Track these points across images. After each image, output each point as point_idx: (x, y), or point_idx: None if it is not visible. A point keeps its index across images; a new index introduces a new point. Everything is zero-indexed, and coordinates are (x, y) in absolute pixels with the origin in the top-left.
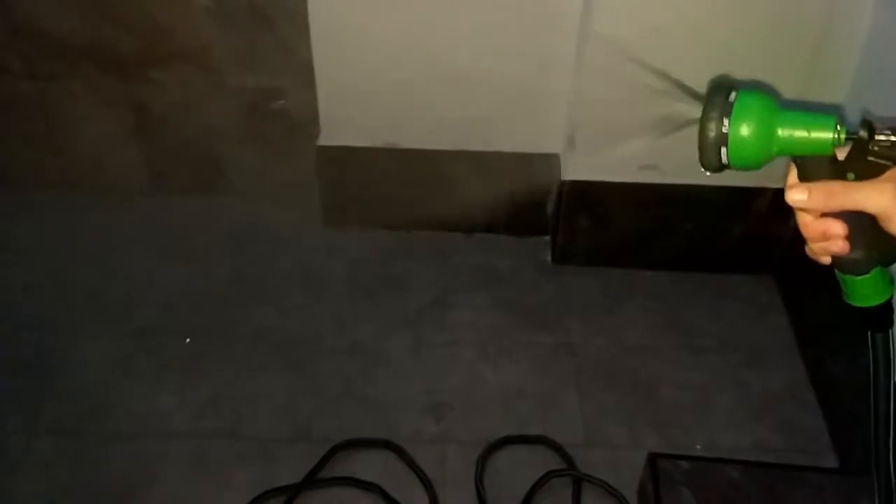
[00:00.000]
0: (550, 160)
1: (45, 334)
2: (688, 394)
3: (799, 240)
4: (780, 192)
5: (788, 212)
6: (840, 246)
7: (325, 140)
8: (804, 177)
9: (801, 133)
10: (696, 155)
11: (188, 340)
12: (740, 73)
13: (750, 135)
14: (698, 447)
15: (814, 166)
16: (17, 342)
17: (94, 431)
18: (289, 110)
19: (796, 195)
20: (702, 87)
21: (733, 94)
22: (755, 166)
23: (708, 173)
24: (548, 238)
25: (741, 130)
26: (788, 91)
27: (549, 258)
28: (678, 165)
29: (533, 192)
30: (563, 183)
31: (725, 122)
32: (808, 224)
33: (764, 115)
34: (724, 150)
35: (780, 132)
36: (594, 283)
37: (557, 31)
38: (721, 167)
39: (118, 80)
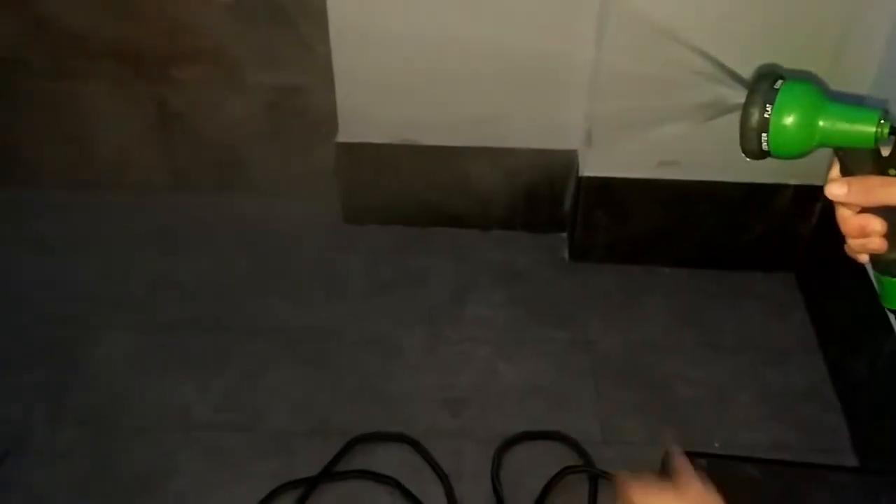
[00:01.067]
0: (568, 156)
1: (68, 327)
2: (706, 391)
3: (819, 237)
4: (800, 189)
5: (809, 209)
6: (878, 244)
7: (343, 137)
8: (846, 171)
9: (843, 125)
10: (716, 150)
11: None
12: (763, 61)
13: (792, 123)
14: (716, 445)
15: (856, 160)
16: (41, 335)
17: (115, 423)
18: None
19: (836, 189)
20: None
21: (779, 82)
22: (797, 155)
23: (748, 159)
24: (565, 234)
25: (783, 118)
26: None
27: (566, 255)
28: (698, 161)
29: (551, 189)
30: (581, 179)
31: (769, 108)
32: (847, 219)
33: (808, 105)
34: (764, 136)
35: (822, 123)
36: (612, 280)
37: (576, 23)
38: (762, 154)
39: (140, 78)
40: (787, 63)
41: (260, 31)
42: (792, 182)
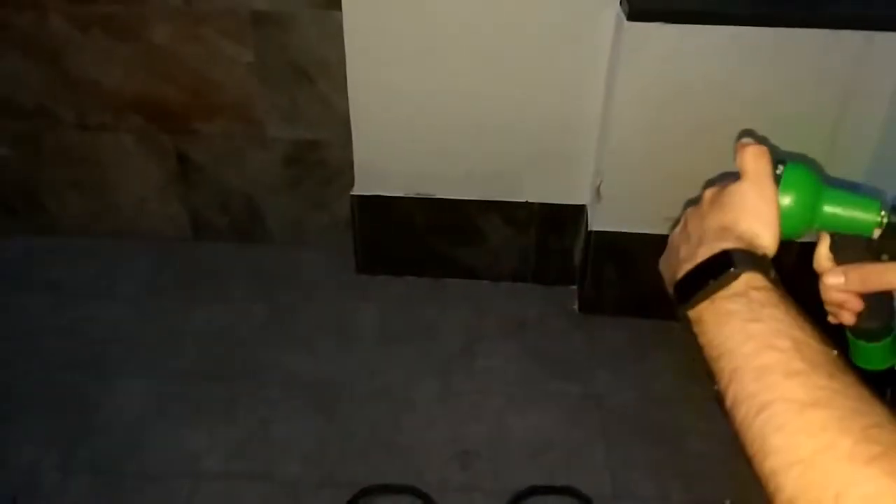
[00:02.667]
0: (578, 211)
1: (82, 374)
2: (717, 447)
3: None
4: (806, 246)
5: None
6: (848, 318)
7: (359, 189)
8: (836, 251)
9: (844, 212)
10: None
11: None
12: (769, 128)
13: (793, 207)
14: (727, 502)
15: (848, 243)
16: (55, 381)
17: (127, 471)
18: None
19: (833, 279)
20: (731, 145)
21: (780, 167)
22: (795, 236)
23: None
24: (575, 287)
25: (785, 201)
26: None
27: (576, 307)
28: None
29: (561, 242)
30: (590, 233)
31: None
32: (831, 294)
33: (809, 189)
34: None
35: (825, 208)
36: (621, 334)
37: (585, 87)
38: None
39: (163, 131)
40: (789, 136)
41: (280, 88)
42: (797, 240)
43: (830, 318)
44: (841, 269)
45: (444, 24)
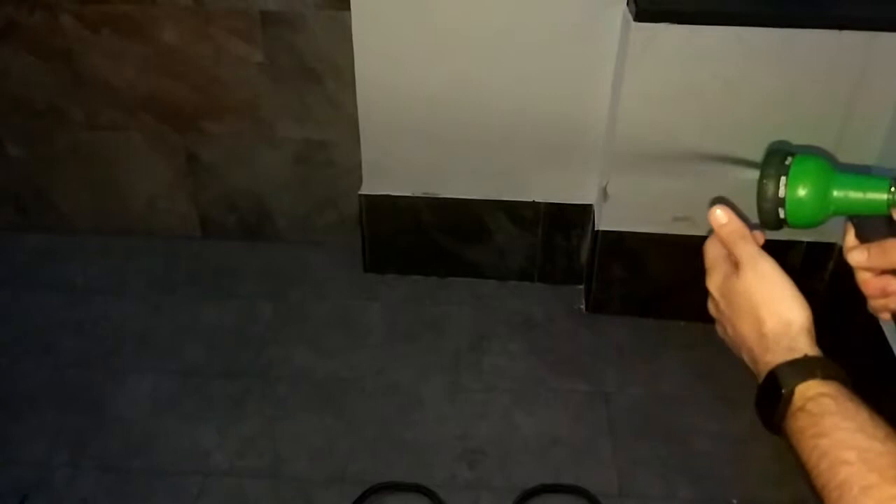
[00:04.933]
0: (585, 210)
1: (92, 371)
2: (724, 446)
3: (832, 293)
4: (812, 246)
5: (822, 265)
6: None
7: (367, 189)
8: (861, 236)
9: (856, 194)
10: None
11: None
12: (773, 132)
13: (806, 195)
14: (734, 502)
15: (871, 226)
16: (65, 378)
17: (136, 468)
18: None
19: (856, 256)
20: (736, 144)
21: (789, 159)
22: (813, 224)
23: (767, 232)
24: (582, 286)
25: (798, 191)
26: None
27: (583, 307)
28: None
29: (567, 241)
30: (597, 233)
31: (783, 181)
32: (868, 281)
33: (820, 177)
34: (781, 210)
35: (836, 193)
36: (628, 333)
37: (592, 85)
38: (779, 225)
39: (173, 130)
40: (795, 136)
41: (289, 88)
42: (804, 239)
43: (883, 315)
44: (863, 246)
45: (451, 25)
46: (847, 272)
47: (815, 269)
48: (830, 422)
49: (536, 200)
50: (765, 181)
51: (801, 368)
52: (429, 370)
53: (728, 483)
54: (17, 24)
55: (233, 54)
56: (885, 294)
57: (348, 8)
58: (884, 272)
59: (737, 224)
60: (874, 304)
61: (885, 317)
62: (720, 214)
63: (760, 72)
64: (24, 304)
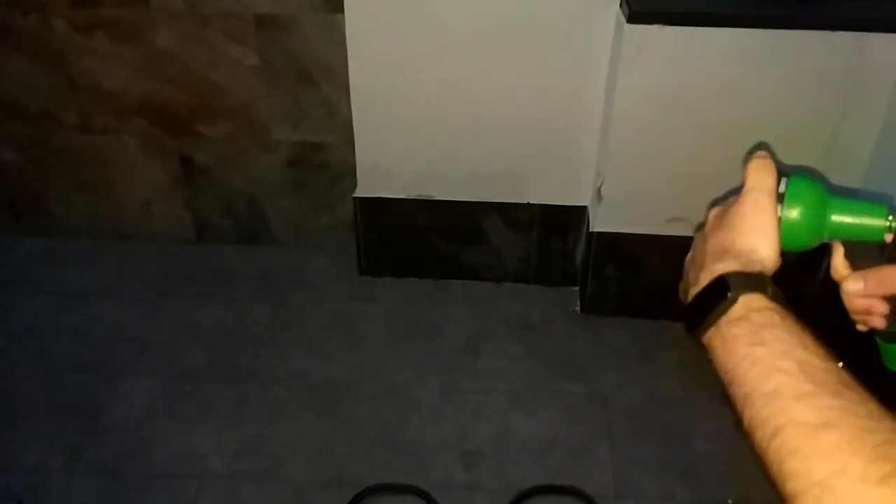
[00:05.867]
0: (579, 212)
1: (89, 375)
2: (721, 446)
3: (827, 293)
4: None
5: (816, 265)
6: (879, 322)
7: (362, 192)
8: (852, 259)
9: (852, 219)
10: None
11: None
12: (766, 132)
13: (801, 220)
14: (730, 502)
15: (863, 250)
16: (62, 383)
17: (133, 471)
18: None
19: (852, 285)
20: (731, 147)
21: (783, 182)
22: (806, 248)
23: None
24: (577, 288)
25: (793, 215)
26: (808, 163)
27: (578, 308)
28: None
29: (563, 243)
30: (592, 234)
31: (778, 208)
32: (855, 301)
33: (815, 200)
34: None
35: (833, 218)
36: (624, 334)
37: (586, 87)
38: None
39: (168, 134)
40: (789, 136)
41: (284, 91)
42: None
43: (860, 326)
44: (859, 274)
45: (445, 27)
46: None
47: (810, 269)
48: (772, 333)
49: (531, 202)
50: None
51: (754, 280)
52: (425, 372)
53: (725, 484)
54: (9, 29)
55: (227, 57)
56: (868, 313)
57: (342, 11)
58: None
59: (771, 161)
60: (856, 319)
61: (860, 327)
62: (761, 153)
63: (754, 73)
64: (19, 307)
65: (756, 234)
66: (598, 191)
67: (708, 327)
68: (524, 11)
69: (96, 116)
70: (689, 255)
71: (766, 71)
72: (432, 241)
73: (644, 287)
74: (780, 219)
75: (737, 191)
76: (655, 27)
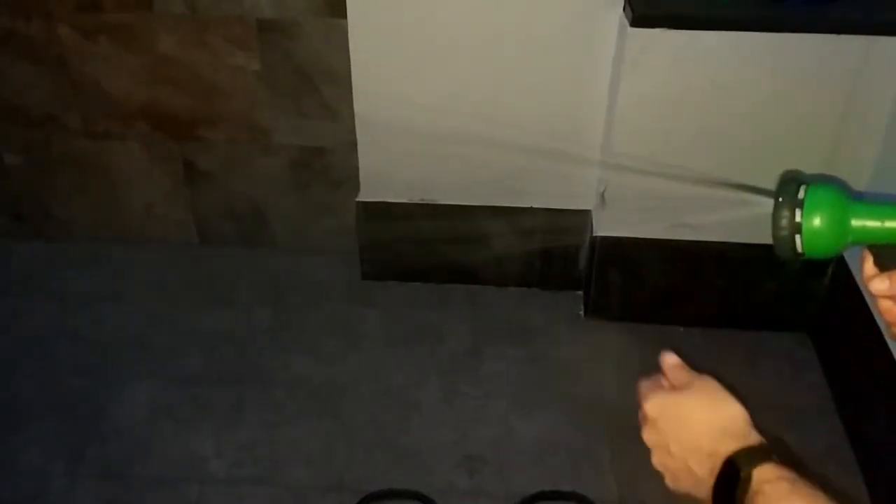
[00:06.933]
0: (583, 216)
1: (90, 379)
2: None
3: (832, 297)
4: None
5: (822, 269)
6: None
7: (364, 196)
8: (881, 264)
9: (875, 223)
10: (727, 213)
11: None
12: (769, 136)
13: (823, 226)
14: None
15: (890, 254)
16: (63, 387)
17: (134, 475)
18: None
19: (877, 284)
20: (735, 151)
21: (803, 189)
22: (831, 255)
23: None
24: (580, 293)
25: (814, 222)
26: (812, 167)
27: (581, 312)
28: (710, 223)
29: (565, 247)
30: (595, 239)
31: (798, 213)
32: (890, 310)
33: (836, 206)
34: (798, 241)
35: (854, 222)
36: (627, 338)
37: (589, 91)
38: (796, 257)
39: (170, 139)
40: (792, 141)
41: (286, 96)
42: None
43: (891, 335)
44: (886, 274)
45: (448, 32)
46: (846, 277)
47: (815, 273)
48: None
49: (534, 206)
50: (780, 212)
51: (758, 453)
52: (427, 376)
53: None
54: (13, 33)
55: (229, 62)
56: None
57: (345, 15)
58: None
59: (678, 360)
60: (886, 318)
61: (891, 338)
62: (671, 356)
63: (757, 76)
64: (21, 311)
65: (724, 404)
66: (602, 195)
67: None
68: (527, 15)
69: (99, 120)
70: (658, 458)
71: (769, 74)
72: (435, 245)
73: (648, 292)
74: (800, 229)
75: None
76: (659, 31)
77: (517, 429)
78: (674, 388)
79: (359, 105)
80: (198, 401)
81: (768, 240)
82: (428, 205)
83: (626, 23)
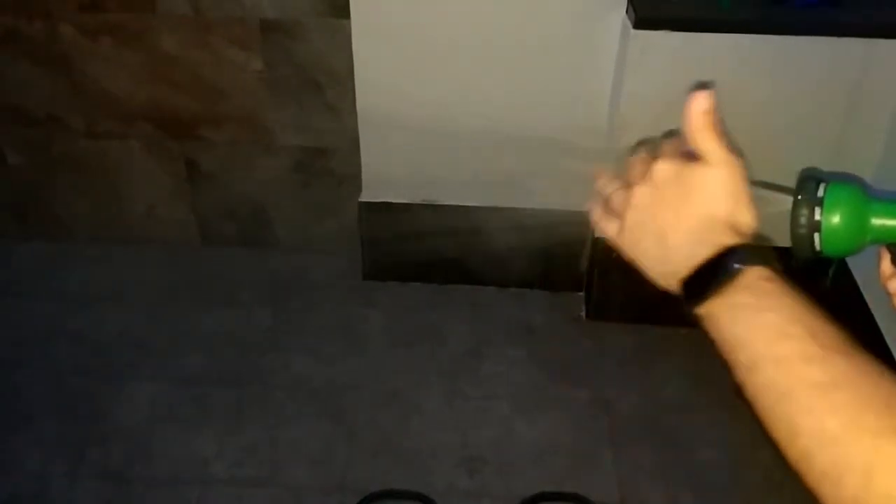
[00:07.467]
0: (584, 217)
1: (92, 380)
2: (725, 453)
3: (833, 299)
4: None
5: (823, 271)
6: None
7: (366, 196)
8: None
9: (895, 222)
10: None
11: None
12: (773, 139)
13: (842, 224)
14: None
15: None
16: (64, 387)
17: (135, 476)
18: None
19: None
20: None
21: (822, 187)
22: (850, 252)
23: (801, 259)
24: (582, 293)
25: (833, 220)
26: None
27: (583, 313)
28: None
29: (567, 248)
30: (597, 239)
31: (818, 211)
32: None
33: (855, 204)
34: (817, 239)
35: (874, 221)
36: (629, 340)
37: (591, 92)
38: (815, 255)
39: (172, 138)
40: (795, 142)
41: (289, 96)
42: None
43: None
44: None
45: (451, 33)
46: (847, 277)
47: (817, 276)
48: (780, 301)
49: (536, 207)
50: (799, 210)
51: (764, 254)
52: (428, 377)
53: (729, 490)
54: (16, 33)
55: (232, 62)
56: None
57: (348, 16)
58: None
59: (718, 119)
60: None
61: None
62: (704, 99)
63: (759, 78)
64: (22, 311)
65: (743, 203)
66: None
67: (710, 297)
68: (529, 17)
69: (101, 121)
70: (636, 217)
71: (771, 76)
72: (436, 245)
73: (649, 293)
74: (819, 227)
75: (674, 147)
76: (661, 33)
77: (518, 429)
78: (698, 159)
79: (361, 105)
80: (199, 401)
81: (770, 243)
82: (429, 205)
83: (629, 25)
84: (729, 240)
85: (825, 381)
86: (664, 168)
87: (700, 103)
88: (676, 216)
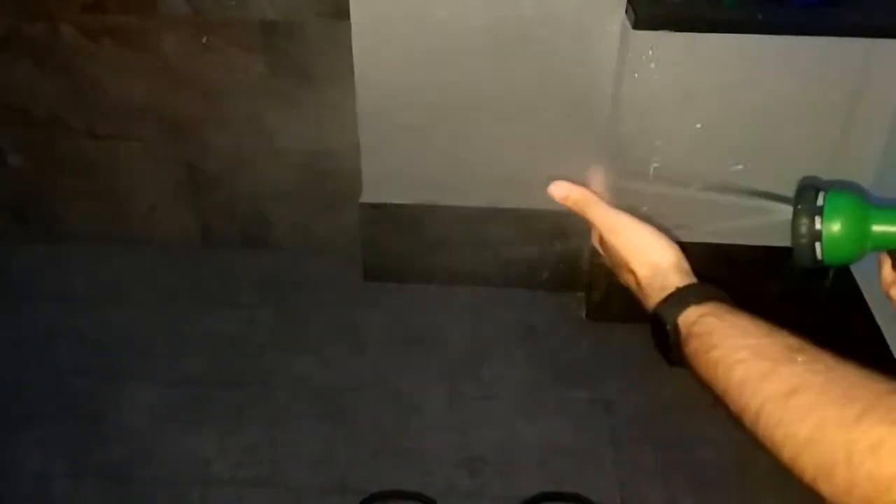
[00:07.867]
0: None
1: (92, 381)
2: (726, 454)
3: (835, 299)
4: None
5: (824, 272)
6: None
7: (367, 197)
8: None
9: (895, 228)
10: (727, 215)
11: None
12: (773, 139)
13: (843, 232)
14: None
15: None
16: (65, 388)
17: (136, 477)
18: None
19: None
20: (737, 153)
21: (821, 196)
22: (851, 260)
23: (803, 267)
24: (582, 294)
25: (834, 229)
26: (816, 170)
27: (584, 314)
28: (710, 225)
29: (568, 249)
30: None
31: (818, 221)
32: None
33: (855, 212)
34: (818, 248)
35: (875, 228)
36: (630, 340)
37: (591, 94)
38: (816, 264)
39: (173, 140)
40: (795, 143)
41: (290, 98)
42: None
43: None
44: None
45: (451, 35)
46: (848, 279)
47: (818, 276)
48: (718, 335)
49: (537, 208)
50: (799, 220)
51: (676, 301)
52: (429, 378)
53: (730, 491)
54: (17, 34)
55: (233, 64)
56: None
57: (348, 17)
58: None
59: (579, 192)
60: None
61: None
62: (558, 189)
63: (760, 79)
64: (23, 312)
65: (641, 252)
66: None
67: (679, 358)
68: (529, 18)
69: (103, 122)
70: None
71: (772, 77)
72: (437, 247)
73: None
74: (820, 236)
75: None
76: (661, 33)
77: (519, 430)
78: (611, 232)
79: (362, 107)
80: (200, 402)
81: (771, 242)
82: (431, 206)
83: (629, 25)
84: (654, 299)
85: (784, 390)
86: (604, 247)
87: (553, 196)
88: (630, 272)
